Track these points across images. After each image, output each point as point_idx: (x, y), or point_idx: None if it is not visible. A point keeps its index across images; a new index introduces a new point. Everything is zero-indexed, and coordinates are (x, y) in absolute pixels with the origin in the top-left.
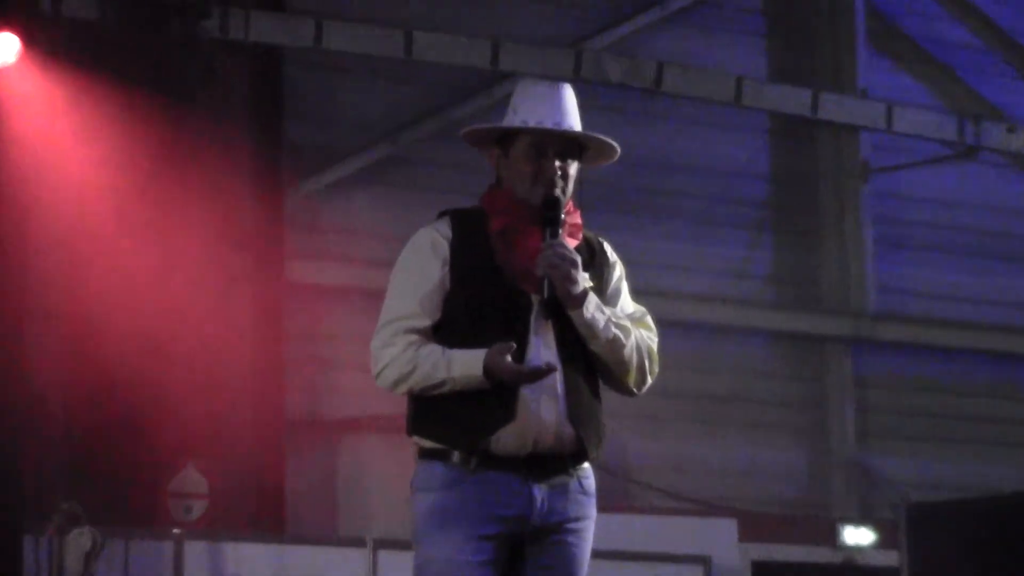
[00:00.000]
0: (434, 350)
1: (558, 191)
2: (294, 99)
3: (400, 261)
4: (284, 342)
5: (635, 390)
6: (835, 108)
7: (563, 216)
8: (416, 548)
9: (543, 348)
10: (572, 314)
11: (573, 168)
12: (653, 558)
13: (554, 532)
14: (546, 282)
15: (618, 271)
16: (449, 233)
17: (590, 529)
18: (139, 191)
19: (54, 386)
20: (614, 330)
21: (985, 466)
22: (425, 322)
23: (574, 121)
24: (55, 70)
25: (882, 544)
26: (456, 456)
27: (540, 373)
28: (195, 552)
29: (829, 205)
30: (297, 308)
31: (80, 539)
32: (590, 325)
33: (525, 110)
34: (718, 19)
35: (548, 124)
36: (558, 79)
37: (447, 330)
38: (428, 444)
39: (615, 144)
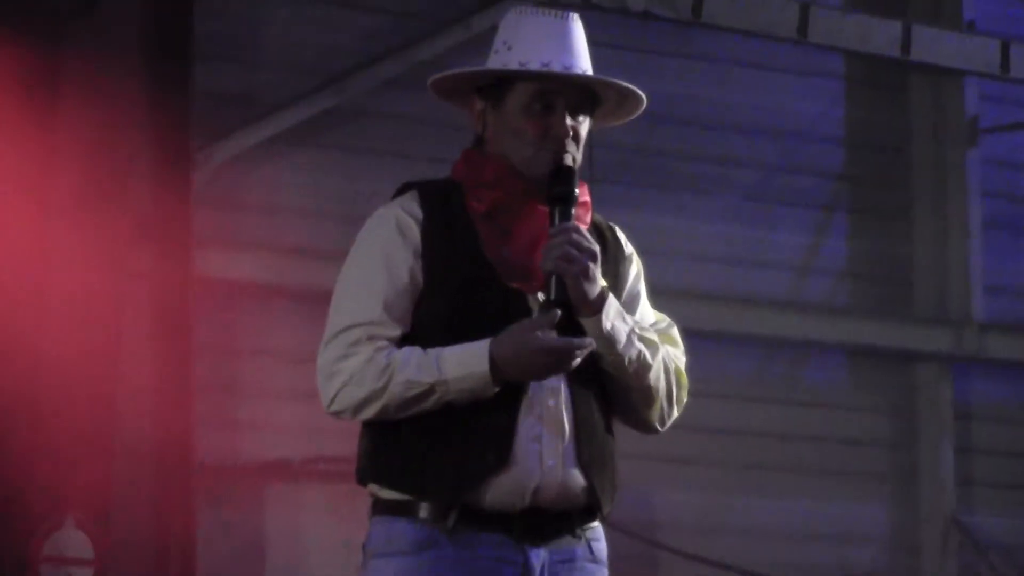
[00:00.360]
0: (413, 351)
1: (569, 158)
2: (205, 35)
3: (356, 250)
4: (193, 358)
5: (659, 426)
6: (933, 46)
7: (576, 191)
8: None
9: None
10: (586, 323)
11: (585, 127)
12: None
13: None
14: (553, 280)
15: (635, 268)
16: (419, 213)
17: None
18: None
19: None
20: (639, 346)
21: None
22: (393, 331)
23: (587, 64)
24: None
25: None
26: (427, 511)
27: (573, 348)
28: None
29: (924, 177)
30: (210, 313)
31: None
32: (609, 338)
33: (523, 48)
34: None
35: (556, 67)
36: (562, 7)
37: (419, 344)
38: (389, 495)
39: (642, 95)
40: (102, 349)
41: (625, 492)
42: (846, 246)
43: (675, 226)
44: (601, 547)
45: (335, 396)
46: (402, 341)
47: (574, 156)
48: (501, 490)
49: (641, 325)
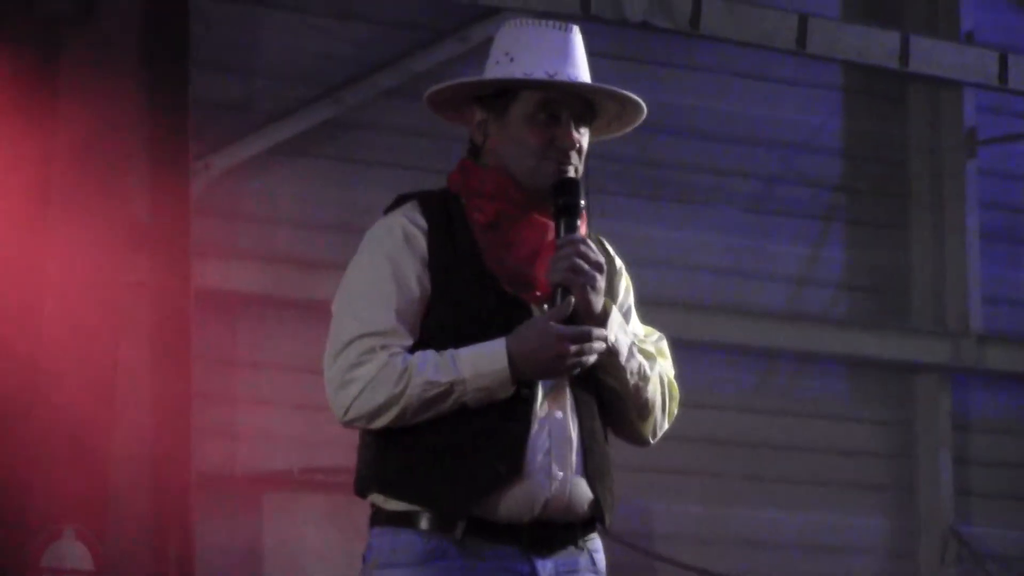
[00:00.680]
0: (427, 353)
1: (572, 169)
2: (204, 43)
3: (361, 260)
4: (192, 369)
5: (651, 438)
6: (931, 58)
7: (583, 203)
8: None
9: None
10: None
11: (585, 139)
12: None
13: None
14: (560, 292)
15: (625, 281)
16: (424, 223)
17: None
18: None
19: None
20: (639, 358)
21: None
22: (405, 340)
23: (587, 76)
24: None
25: None
26: (434, 521)
27: (591, 335)
28: None
29: (922, 188)
30: (208, 323)
31: None
32: (613, 350)
33: (526, 59)
34: None
35: (561, 78)
36: (561, 17)
37: None
38: (395, 506)
39: (643, 108)
40: (100, 359)
41: (624, 503)
42: (844, 257)
43: (673, 237)
44: (601, 557)
45: (351, 404)
46: (412, 350)
47: (576, 168)
48: (512, 502)
49: (639, 337)
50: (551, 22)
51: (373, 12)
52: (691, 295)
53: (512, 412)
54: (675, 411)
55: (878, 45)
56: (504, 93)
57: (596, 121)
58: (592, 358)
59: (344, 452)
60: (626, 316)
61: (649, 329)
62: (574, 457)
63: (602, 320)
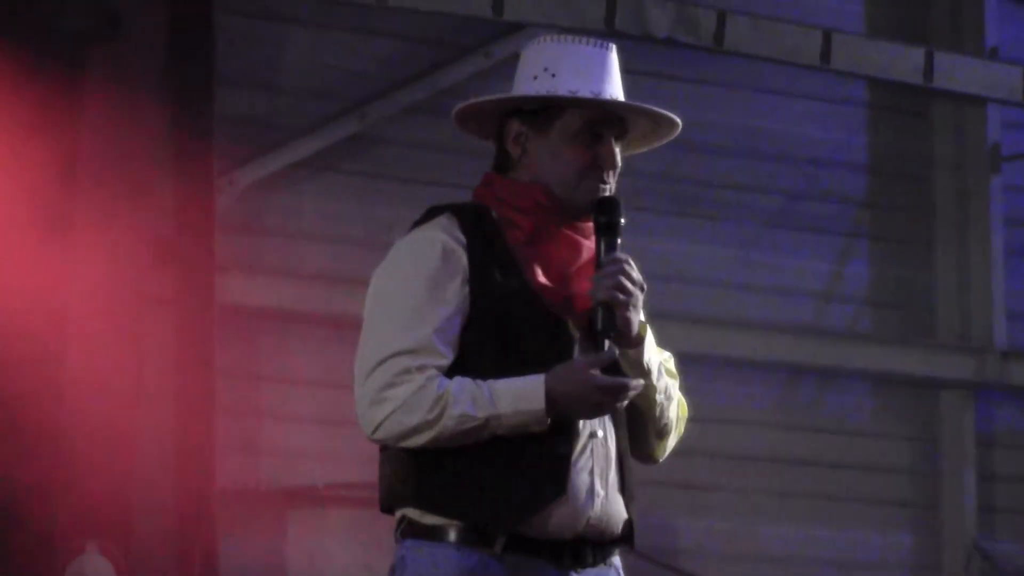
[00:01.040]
0: (464, 382)
1: (609, 188)
2: (228, 59)
3: (397, 274)
4: (215, 385)
5: (660, 458)
6: (955, 74)
7: (623, 222)
8: None
9: None
10: (627, 354)
11: (619, 157)
12: None
13: None
14: (602, 310)
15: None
16: (463, 238)
17: None
18: (15, 187)
19: None
20: (666, 379)
21: None
22: (442, 360)
23: (622, 94)
24: None
25: None
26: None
27: (627, 388)
28: None
29: (946, 204)
30: (233, 340)
31: None
32: (648, 370)
33: (569, 77)
34: None
35: (605, 97)
36: (587, 32)
37: (463, 371)
38: (431, 520)
39: (678, 126)
40: (124, 375)
41: (648, 518)
42: (868, 273)
43: (697, 253)
44: (622, 572)
45: (381, 423)
46: (450, 367)
47: (612, 186)
48: (556, 519)
49: (665, 356)
50: (590, 39)
51: (397, 28)
52: (715, 311)
53: (557, 431)
54: (683, 430)
55: (902, 61)
56: (547, 109)
57: (628, 137)
58: (625, 403)
59: (368, 467)
60: None
61: (659, 348)
62: (613, 475)
63: (640, 339)
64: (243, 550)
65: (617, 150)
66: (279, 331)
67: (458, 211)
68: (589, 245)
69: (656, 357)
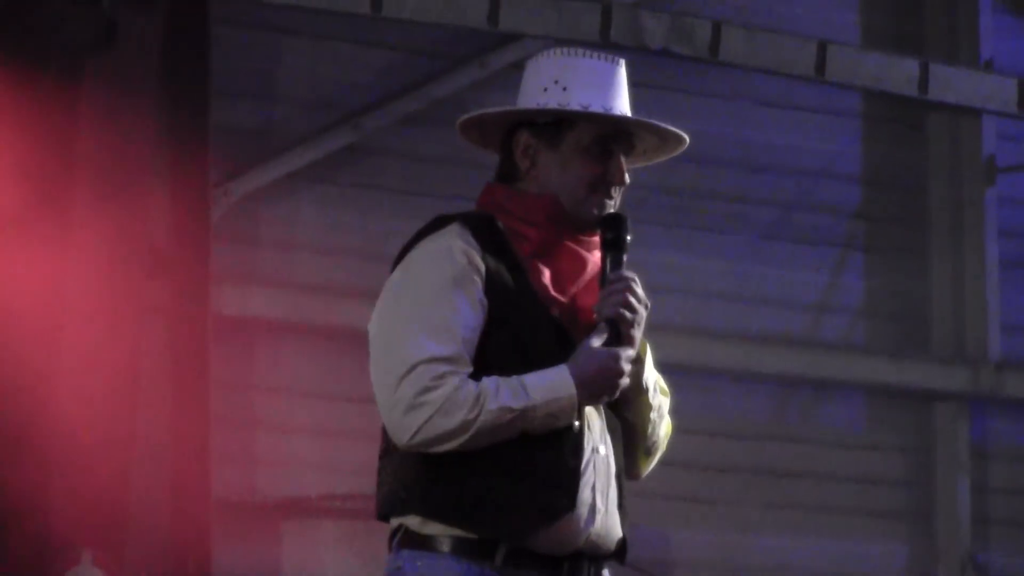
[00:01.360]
0: (496, 379)
1: (614, 204)
2: (224, 69)
3: (419, 281)
4: (210, 395)
5: (642, 475)
6: (950, 85)
7: (629, 238)
8: None
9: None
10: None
11: None
12: None
13: None
14: (608, 326)
15: None
16: (478, 246)
17: None
18: (10, 197)
19: None
20: (660, 397)
21: None
22: (469, 368)
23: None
24: None
25: None
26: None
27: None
28: None
29: (941, 215)
30: (228, 350)
31: None
32: (646, 387)
33: (581, 91)
34: None
35: (616, 113)
36: (581, 44)
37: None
38: (431, 529)
39: (685, 143)
40: (119, 384)
41: (642, 531)
42: (863, 284)
43: (692, 264)
44: None
45: (420, 427)
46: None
47: (616, 201)
48: (559, 534)
49: (656, 376)
50: (599, 53)
51: (392, 39)
52: (709, 322)
53: (567, 445)
54: (665, 448)
55: (897, 72)
56: (558, 122)
57: (633, 152)
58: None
59: (362, 478)
60: None
61: None
62: (613, 492)
63: (642, 357)
64: (237, 560)
65: (624, 165)
66: (274, 341)
67: (468, 220)
68: (592, 258)
69: (653, 375)
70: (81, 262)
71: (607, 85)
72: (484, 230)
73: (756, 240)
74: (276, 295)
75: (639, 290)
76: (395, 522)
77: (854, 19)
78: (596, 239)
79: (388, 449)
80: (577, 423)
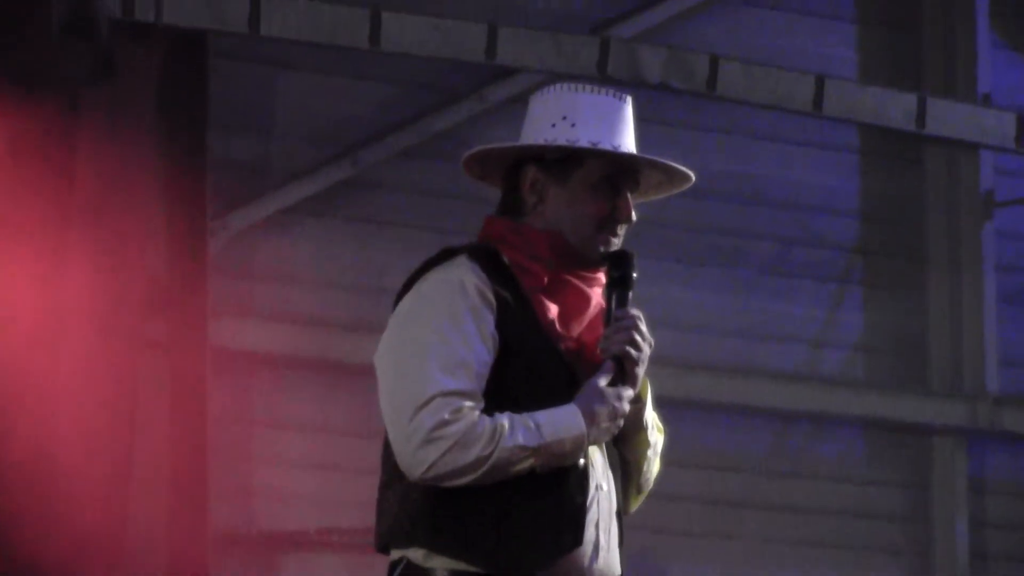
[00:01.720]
0: (510, 416)
1: (619, 241)
2: (222, 103)
3: (431, 315)
4: (208, 428)
5: (630, 512)
6: (948, 120)
7: (635, 276)
8: None
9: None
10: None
11: None
12: None
13: None
14: (613, 364)
15: None
16: (488, 281)
17: None
18: (8, 230)
19: None
20: (656, 435)
21: None
22: (482, 402)
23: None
24: None
25: None
26: None
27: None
28: None
29: (939, 250)
30: (226, 384)
31: None
32: (646, 425)
33: (589, 127)
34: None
35: (624, 150)
36: (578, 78)
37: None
38: (436, 563)
39: (691, 180)
40: (117, 419)
41: (641, 565)
42: (860, 319)
43: (689, 298)
44: None
45: (436, 461)
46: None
47: (621, 239)
48: (563, 570)
49: (654, 416)
50: (607, 90)
51: (390, 72)
52: (706, 357)
53: (573, 482)
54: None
55: (895, 107)
56: (567, 158)
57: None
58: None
59: (360, 512)
60: None
61: None
62: (614, 528)
63: (642, 396)
64: None
65: (631, 202)
66: (272, 375)
67: (475, 253)
68: (594, 295)
69: (651, 414)
70: (78, 295)
71: (615, 122)
72: (491, 263)
73: (753, 274)
74: (274, 328)
75: (644, 328)
76: (396, 554)
77: (851, 54)
78: (600, 276)
79: (390, 481)
80: (583, 460)
